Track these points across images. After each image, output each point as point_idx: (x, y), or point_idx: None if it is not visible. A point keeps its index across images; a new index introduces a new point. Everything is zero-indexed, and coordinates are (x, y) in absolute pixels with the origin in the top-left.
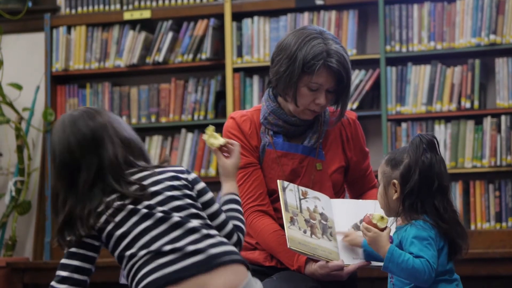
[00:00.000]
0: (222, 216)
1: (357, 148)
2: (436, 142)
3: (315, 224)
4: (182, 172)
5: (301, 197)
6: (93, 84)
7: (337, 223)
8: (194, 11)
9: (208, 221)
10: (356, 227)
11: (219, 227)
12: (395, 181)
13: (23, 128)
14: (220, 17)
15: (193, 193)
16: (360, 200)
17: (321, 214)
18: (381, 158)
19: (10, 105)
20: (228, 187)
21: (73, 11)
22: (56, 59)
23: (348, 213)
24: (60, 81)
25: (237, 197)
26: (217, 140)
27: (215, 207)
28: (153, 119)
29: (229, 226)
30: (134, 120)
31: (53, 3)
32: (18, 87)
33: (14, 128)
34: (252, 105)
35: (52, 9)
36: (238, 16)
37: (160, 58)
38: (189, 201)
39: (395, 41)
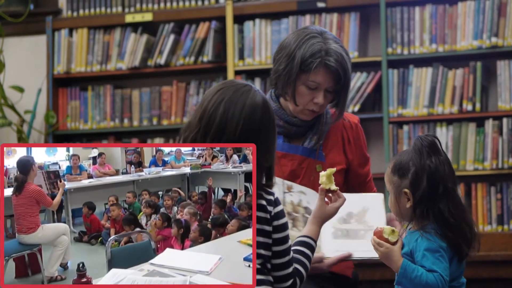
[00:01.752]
0: (287, 257)
1: (358, 152)
2: (438, 142)
3: (297, 217)
4: (270, 203)
5: (286, 190)
6: (95, 86)
7: None
8: (195, 13)
9: (268, 264)
10: (343, 220)
11: (279, 267)
12: (406, 190)
13: (25, 131)
14: (221, 19)
15: (270, 228)
16: (348, 194)
17: (305, 208)
18: (383, 160)
19: (12, 107)
20: (310, 230)
21: (75, 14)
22: (58, 62)
23: None
24: (62, 84)
25: (313, 243)
26: (330, 184)
27: (284, 246)
28: (154, 121)
29: (289, 270)
30: (135, 123)
31: (55, 5)
32: (20, 89)
33: (16, 131)
34: None
35: (54, 12)
36: (239, 19)
37: (161, 60)
38: (261, 239)
39: (396, 43)
